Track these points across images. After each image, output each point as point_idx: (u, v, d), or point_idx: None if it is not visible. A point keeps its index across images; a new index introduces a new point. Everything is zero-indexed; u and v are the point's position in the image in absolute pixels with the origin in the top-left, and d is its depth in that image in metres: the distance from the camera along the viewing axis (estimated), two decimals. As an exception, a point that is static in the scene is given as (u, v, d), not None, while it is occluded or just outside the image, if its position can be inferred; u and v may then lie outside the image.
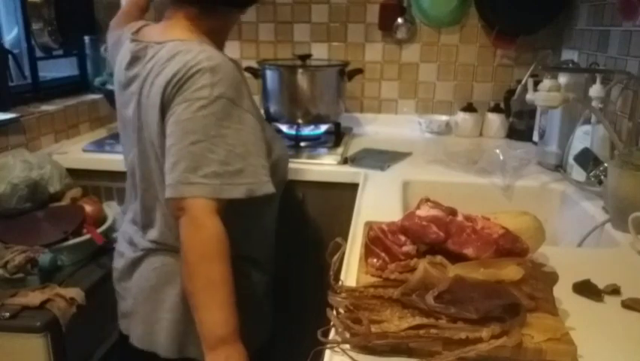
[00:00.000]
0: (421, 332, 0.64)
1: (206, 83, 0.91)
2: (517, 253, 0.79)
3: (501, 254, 0.78)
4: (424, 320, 0.65)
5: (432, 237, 0.80)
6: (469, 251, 0.79)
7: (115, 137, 1.73)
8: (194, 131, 0.90)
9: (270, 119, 1.82)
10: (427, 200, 0.87)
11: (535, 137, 1.74)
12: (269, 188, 0.95)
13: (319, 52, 2.05)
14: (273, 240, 1.24)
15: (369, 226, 0.90)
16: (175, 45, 0.98)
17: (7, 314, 1.02)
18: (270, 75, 1.80)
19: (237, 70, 0.98)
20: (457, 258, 0.79)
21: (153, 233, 1.05)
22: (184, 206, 0.89)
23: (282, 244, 1.29)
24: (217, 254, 0.89)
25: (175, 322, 1.03)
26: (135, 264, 1.08)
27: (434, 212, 0.82)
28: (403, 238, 0.82)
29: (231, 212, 0.93)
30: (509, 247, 0.79)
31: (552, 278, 0.76)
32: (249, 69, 1.83)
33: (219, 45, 1.07)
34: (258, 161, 0.95)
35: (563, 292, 0.79)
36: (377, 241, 0.83)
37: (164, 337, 1.04)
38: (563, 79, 1.45)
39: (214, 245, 0.89)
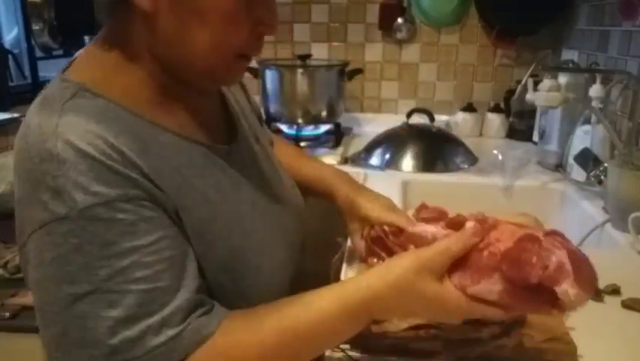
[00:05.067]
0: (421, 332, 0.64)
1: None
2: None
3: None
4: (424, 320, 0.65)
5: None
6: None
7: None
8: None
9: (270, 119, 1.82)
10: (425, 207, 0.78)
11: (535, 137, 1.74)
12: None
13: (319, 52, 2.05)
14: None
15: (370, 226, 0.90)
16: None
17: (7, 314, 1.02)
18: (270, 75, 1.80)
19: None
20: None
21: None
22: None
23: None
24: None
25: None
26: None
27: (431, 230, 0.70)
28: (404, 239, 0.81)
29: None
30: (515, 276, 0.53)
31: (552, 278, 0.76)
32: (249, 69, 1.83)
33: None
34: None
35: (563, 292, 0.78)
36: (378, 242, 0.83)
37: None
38: (563, 79, 1.45)
39: None
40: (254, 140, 0.77)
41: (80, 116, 0.53)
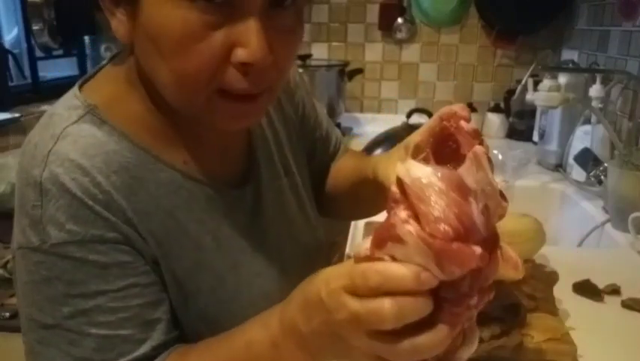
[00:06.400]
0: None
1: None
2: None
3: None
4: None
5: None
6: None
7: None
8: None
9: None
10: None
11: (535, 137, 1.74)
12: None
13: (319, 52, 2.05)
14: None
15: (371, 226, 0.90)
16: None
17: (7, 314, 1.02)
18: (270, 75, 1.80)
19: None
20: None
21: None
22: None
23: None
24: None
25: None
26: None
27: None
28: None
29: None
30: None
31: (552, 278, 0.76)
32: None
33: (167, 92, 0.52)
34: None
35: (563, 292, 0.78)
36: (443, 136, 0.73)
37: None
38: (562, 79, 1.45)
39: None
40: (283, 174, 0.69)
41: (75, 147, 0.50)
